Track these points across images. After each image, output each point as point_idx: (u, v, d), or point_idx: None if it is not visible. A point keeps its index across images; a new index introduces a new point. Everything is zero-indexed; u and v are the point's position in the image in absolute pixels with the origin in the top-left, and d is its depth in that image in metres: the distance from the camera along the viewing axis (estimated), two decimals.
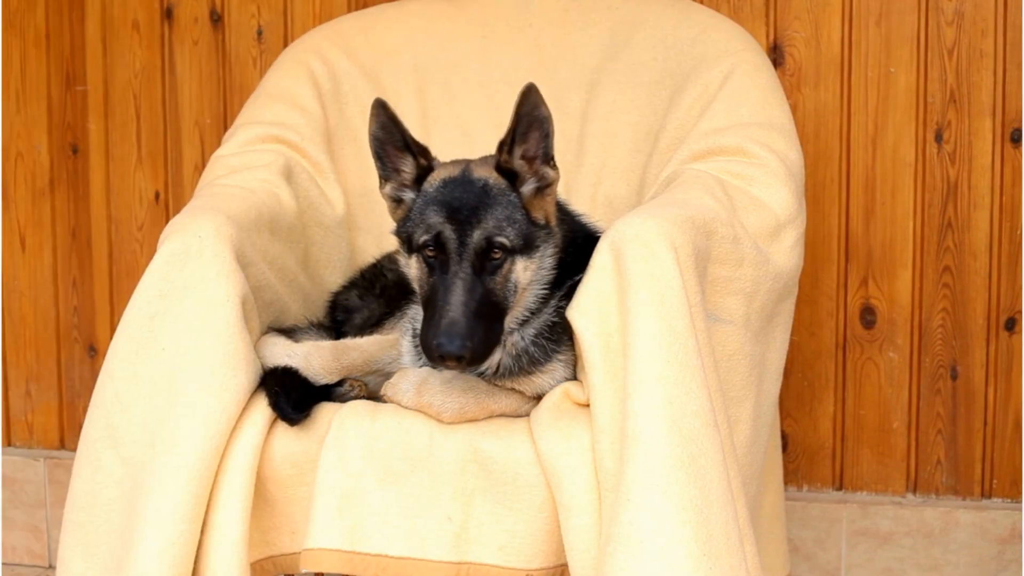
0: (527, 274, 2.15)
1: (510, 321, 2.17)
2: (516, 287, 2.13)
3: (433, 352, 2.03)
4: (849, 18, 3.00)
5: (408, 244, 2.18)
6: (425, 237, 2.12)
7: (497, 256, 2.11)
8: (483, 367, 2.19)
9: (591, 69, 2.83)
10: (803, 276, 2.89)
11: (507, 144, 2.16)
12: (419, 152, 2.22)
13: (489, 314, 2.09)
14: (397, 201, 2.24)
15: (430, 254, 2.12)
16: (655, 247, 2.05)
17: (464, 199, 2.13)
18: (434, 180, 2.19)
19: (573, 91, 2.83)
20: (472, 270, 2.09)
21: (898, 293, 3.03)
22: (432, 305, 2.08)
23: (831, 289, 3.06)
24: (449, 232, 2.11)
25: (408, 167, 2.22)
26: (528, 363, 2.18)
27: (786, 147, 2.48)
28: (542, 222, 2.17)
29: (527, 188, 2.17)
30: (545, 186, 2.18)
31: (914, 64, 2.98)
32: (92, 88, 3.34)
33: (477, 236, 2.10)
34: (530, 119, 2.13)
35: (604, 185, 2.74)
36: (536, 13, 2.91)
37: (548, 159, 2.17)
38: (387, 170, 2.24)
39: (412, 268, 2.18)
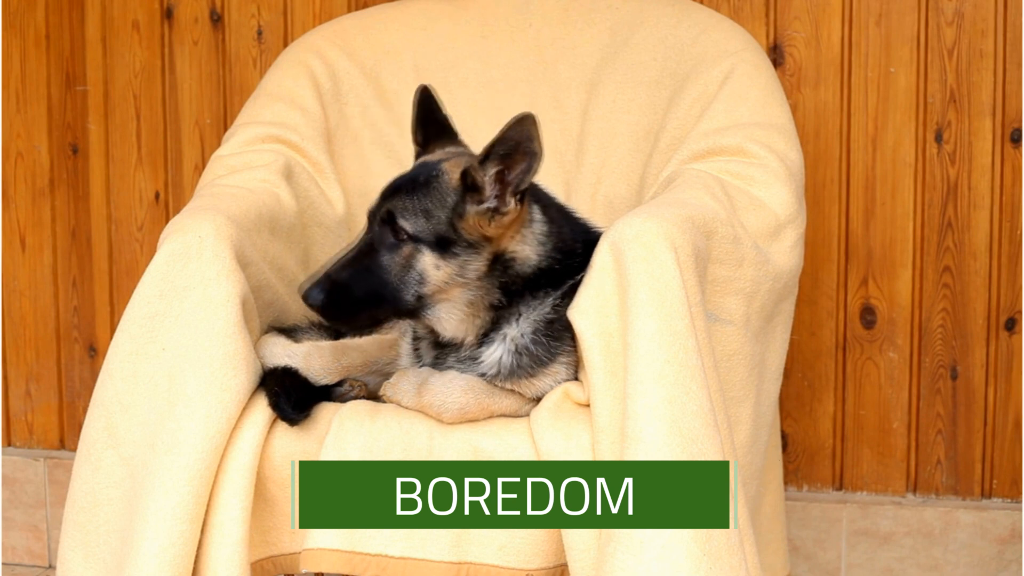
0: (439, 273, 2.14)
1: (450, 311, 2.16)
2: (422, 279, 2.14)
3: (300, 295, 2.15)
4: (849, 18, 3.00)
5: None
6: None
7: (400, 237, 2.14)
8: (485, 367, 2.18)
9: (591, 69, 2.83)
10: (803, 276, 2.89)
11: (481, 157, 2.14)
12: (415, 136, 2.30)
13: (375, 287, 2.14)
14: None
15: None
16: (655, 247, 2.05)
17: (404, 178, 2.20)
18: (416, 161, 2.26)
19: (573, 91, 2.83)
20: (372, 240, 2.16)
21: (898, 293, 3.03)
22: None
23: (831, 289, 3.06)
24: (373, 204, 2.20)
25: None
26: (530, 362, 2.18)
27: (786, 147, 2.48)
28: (471, 238, 2.15)
29: (481, 207, 2.14)
30: (500, 214, 2.15)
31: (914, 64, 2.98)
32: (92, 88, 3.34)
33: (382, 208, 2.16)
34: (519, 147, 2.10)
35: (604, 185, 2.74)
36: (536, 13, 2.91)
37: (517, 192, 2.14)
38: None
39: None
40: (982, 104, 2.96)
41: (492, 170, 2.14)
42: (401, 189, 2.17)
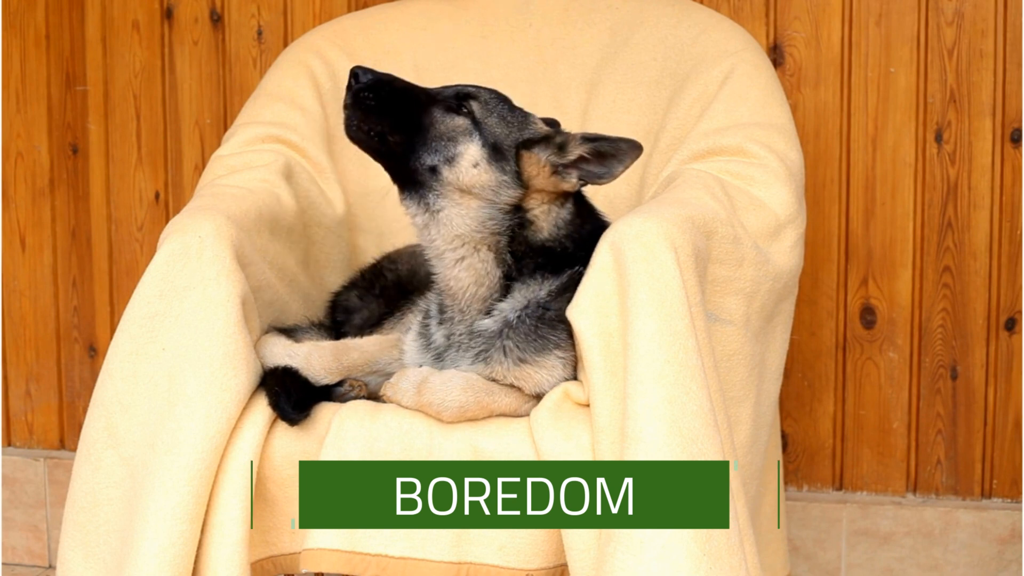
0: (474, 171, 2.16)
1: (454, 215, 2.16)
2: (454, 160, 2.15)
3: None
4: (849, 18, 3.00)
5: None
6: None
7: (463, 111, 2.16)
8: (480, 335, 2.18)
9: (591, 69, 2.83)
10: (803, 276, 2.89)
11: (585, 134, 2.20)
12: None
13: (410, 118, 2.13)
14: None
15: None
16: (655, 247, 2.05)
17: (492, 88, 2.24)
18: None
19: (573, 91, 2.83)
20: (435, 94, 2.18)
21: (898, 293, 3.03)
22: None
23: (831, 289, 3.06)
24: (451, 86, 2.22)
25: None
26: (517, 342, 2.17)
27: (786, 147, 2.48)
28: (520, 172, 2.18)
29: (551, 156, 2.19)
30: (557, 173, 2.20)
31: (914, 64, 2.98)
32: (92, 88, 3.34)
33: (461, 87, 2.19)
34: (612, 157, 2.17)
35: (604, 185, 2.74)
36: (536, 13, 2.91)
37: (583, 177, 2.20)
38: None
39: None
40: (982, 104, 2.96)
41: (582, 148, 2.19)
42: (489, 89, 2.21)
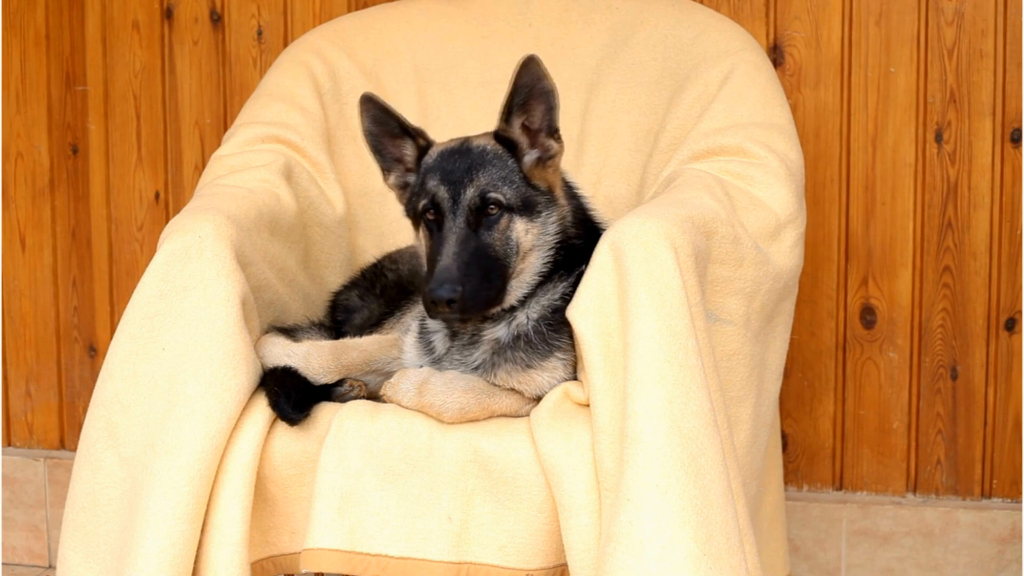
0: (529, 237, 2.19)
1: (519, 286, 2.19)
2: (517, 247, 2.18)
3: (426, 300, 2.09)
4: (849, 18, 3.00)
5: (414, 218, 2.24)
6: (424, 202, 2.19)
7: (493, 212, 2.17)
8: (484, 344, 2.18)
9: (591, 69, 2.83)
10: (803, 276, 2.89)
11: (504, 114, 2.21)
12: (416, 134, 2.29)
13: (487, 267, 2.14)
14: (404, 187, 2.30)
15: (430, 217, 2.19)
16: (655, 247, 2.05)
17: (460, 163, 2.20)
18: (432, 153, 2.26)
19: (573, 91, 2.83)
20: (467, 225, 2.15)
21: (898, 293, 3.03)
22: (430, 262, 2.15)
23: (831, 289, 3.06)
24: (443, 192, 2.17)
25: (409, 150, 2.30)
26: (525, 349, 2.17)
27: (786, 147, 2.48)
28: (543, 188, 2.22)
29: (528, 158, 2.22)
30: (548, 157, 2.23)
31: (914, 64, 2.98)
32: (92, 88, 3.34)
33: (470, 193, 2.16)
34: (532, 91, 2.18)
35: (604, 185, 2.74)
36: (536, 13, 2.91)
37: (552, 131, 2.22)
38: (387, 161, 2.31)
39: (420, 242, 2.24)
40: (982, 104, 2.96)
41: (518, 122, 2.21)
42: (469, 173, 2.18)
